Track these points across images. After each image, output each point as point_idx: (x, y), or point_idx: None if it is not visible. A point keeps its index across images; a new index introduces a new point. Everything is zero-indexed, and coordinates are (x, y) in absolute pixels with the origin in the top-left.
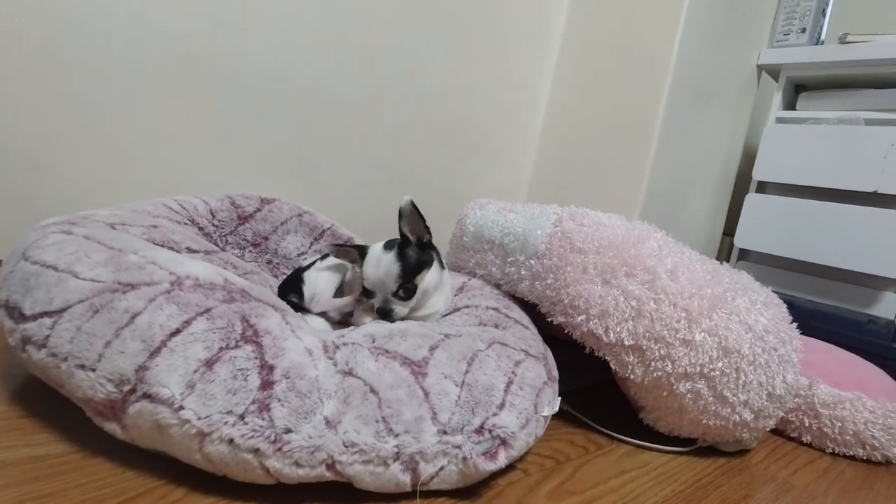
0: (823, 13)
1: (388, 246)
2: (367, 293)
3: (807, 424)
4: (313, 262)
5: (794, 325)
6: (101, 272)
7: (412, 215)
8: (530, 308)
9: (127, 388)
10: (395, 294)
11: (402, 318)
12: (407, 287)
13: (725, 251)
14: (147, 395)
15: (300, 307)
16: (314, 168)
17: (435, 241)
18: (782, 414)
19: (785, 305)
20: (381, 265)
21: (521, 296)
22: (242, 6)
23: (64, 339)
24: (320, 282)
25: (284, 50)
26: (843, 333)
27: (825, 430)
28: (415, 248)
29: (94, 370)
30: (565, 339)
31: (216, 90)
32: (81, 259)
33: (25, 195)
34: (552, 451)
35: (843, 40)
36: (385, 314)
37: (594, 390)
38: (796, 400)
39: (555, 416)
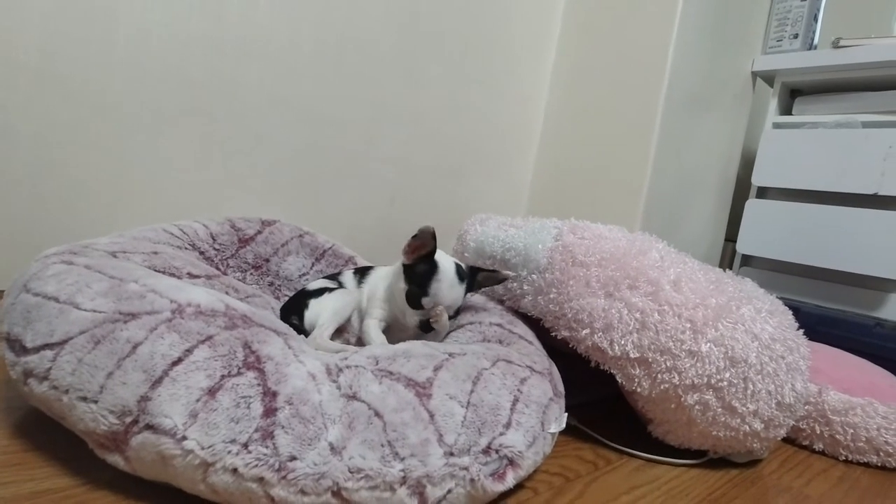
0: (815, 18)
1: (459, 273)
2: (414, 304)
3: (818, 432)
4: (323, 289)
5: (801, 331)
6: (102, 302)
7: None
8: (534, 323)
9: (129, 419)
10: (451, 316)
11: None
12: (459, 311)
13: (728, 257)
14: (150, 426)
15: (302, 330)
16: (314, 189)
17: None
18: (793, 423)
19: (791, 313)
20: (454, 291)
21: (524, 311)
22: (240, 32)
23: (65, 372)
24: (324, 314)
25: (282, 74)
26: (850, 338)
27: (837, 437)
28: (472, 277)
29: (95, 402)
30: (570, 353)
31: (215, 115)
32: (82, 289)
33: (25, 224)
34: (561, 468)
35: (836, 45)
36: (429, 328)
37: (600, 404)
38: (806, 408)
39: (562, 431)
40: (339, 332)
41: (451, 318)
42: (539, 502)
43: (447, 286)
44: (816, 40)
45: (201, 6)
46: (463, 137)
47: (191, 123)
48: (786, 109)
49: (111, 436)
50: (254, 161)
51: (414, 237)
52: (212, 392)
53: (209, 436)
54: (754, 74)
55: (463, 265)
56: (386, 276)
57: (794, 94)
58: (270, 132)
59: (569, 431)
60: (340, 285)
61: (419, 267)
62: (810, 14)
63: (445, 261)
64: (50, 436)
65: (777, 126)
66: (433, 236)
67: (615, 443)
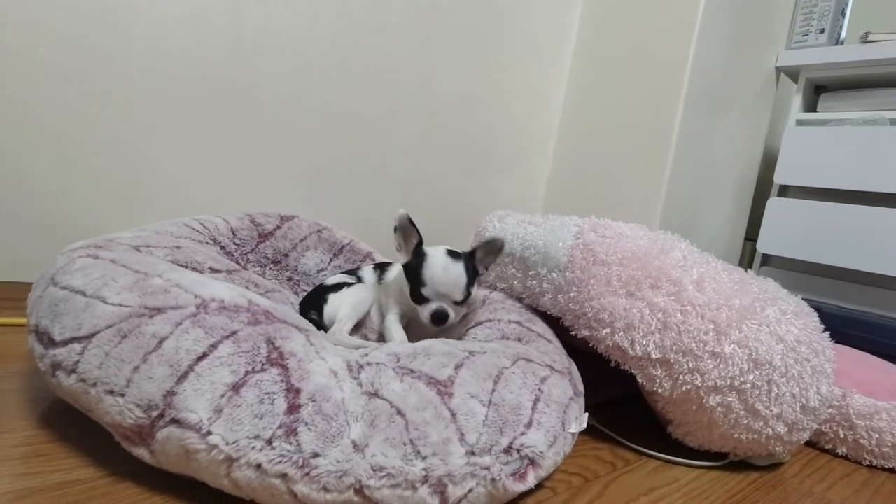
0: (843, 13)
1: (452, 254)
2: (418, 299)
3: (841, 436)
4: (341, 284)
5: (826, 333)
6: (128, 297)
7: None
8: (553, 321)
9: (155, 413)
10: (457, 301)
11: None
12: (469, 292)
13: (748, 257)
14: (175, 421)
15: (320, 325)
16: (331, 184)
17: None
18: (816, 426)
19: (816, 314)
20: (450, 272)
21: (543, 309)
22: (258, 28)
23: (93, 365)
24: (343, 309)
25: (300, 69)
26: (874, 339)
27: (861, 441)
28: (470, 258)
29: (122, 396)
30: (588, 351)
31: (234, 110)
32: (108, 283)
33: (50, 219)
34: (579, 468)
35: (864, 40)
36: (442, 318)
37: (618, 403)
38: (830, 411)
39: (580, 431)
40: (358, 328)
41: (462, 301)
42: (557, 502)
43: (439, 269)
44: (843, 35)
45: (219, 1)
46: (479, 133)
47: (208, 118)
48: (810, 106)
49: (137, 429)
50: (270, 156)
51: (395, 230)
52: (236, 388)
53: (233, 431)
54: (778, 70)
55: (458, 250)
56: (399, 275)
57: (819, 90)
58: (286, 127)
59: (587, 431)
60: (359, 280)
61: (411, 262)
62: (838, 8)
63: (433, 249)
64: (76, 427)
65: (801, 123)
66: (410, 221)
67: (633, 443)
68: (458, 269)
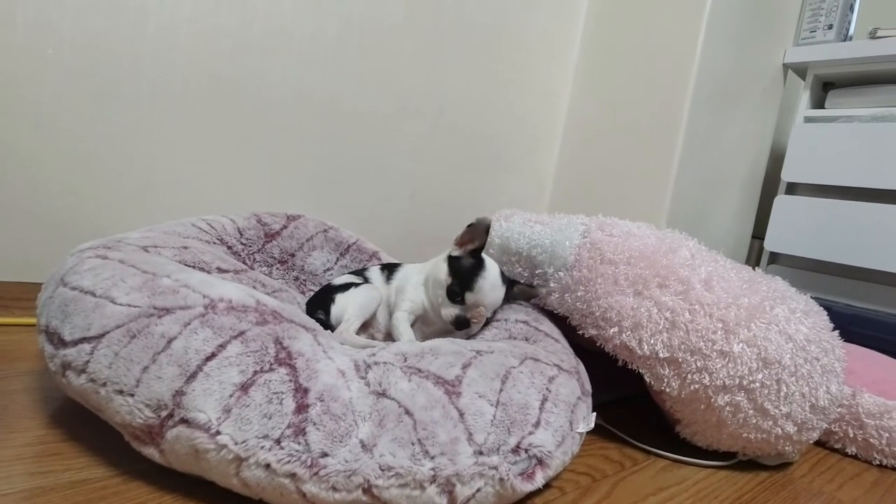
0: (851, 8)
1: (503, 277)
2: (455, 298)
3: (851, 435)
4: (348, 284)
5: (836, 332)
6: (137, 297)
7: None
8: (560, 320)
9: (164, 413)
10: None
11: None
12: (493, 314)
13: (755, 255)
14: (184, 421)
15: (328, 325)
16: (337, 183)
17: None
18: (826, 425)
19: (825, 313)
20: (496, 292)
21: (550, 308)
22: (265, 27)
23: (103, 365)
24: (350, 309)
25: (306, 68)
26: (884, 338)
27: (871, 440)
28: (510, 287)
29: (132, 395)
30: (596, 350)
31: (241, 110)
32: (117, 284)
33: (59, 219)
34: (587, 468)
35: (873, 35)
36: (464, 325)
37: (626, 403)
38: (839, 410)
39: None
40: (365, 328)
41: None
42: (565, 502)
43: (490, 285)
44: (852, 31)
45: (227, 2)
46: (484, 131)
47: (216, 118)
48: (818, 103)
49: (147, 429)
50: (277, 155)
51: (470, 226)
52: (245, 388)
53: (242, 431)
54: (786, 67)
55: (506, 274)
56: (420, 271)
57: (827, 86)
58: (293, 126)
59: (595, 430)
60: (366, 281)
61: (466, 261)
62: (846, 4)
63: (491, 261)
64: (86, 427)
65: (809, 120)
66: (487, 230)
67: (641, 442)
68: (502, 292)
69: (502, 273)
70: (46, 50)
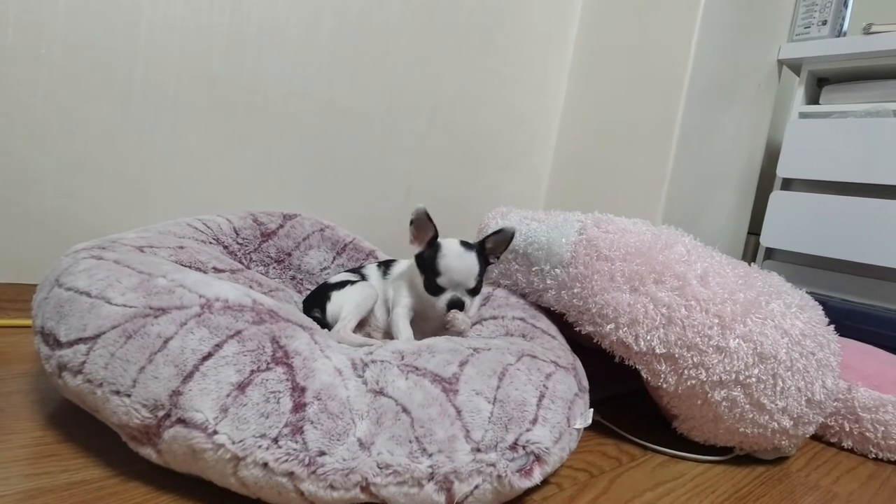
0: (845, 4)
1: (465, 244)
2: (433, 290)
3: (847, 429)
4: (345, 282)
5: (832, 327)
6: (132, 297)
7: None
8: (557, 317)
9: (161, 413)
10: (470, 290)
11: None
12: (481, 281)
13: (751, 251)
14: (181, 421)
15: (324, 323)
16: (333, 182)
17: None
18: (822, 420)
19: (821, 308)
20: (464, 260)
21: (546, 305)
22: (259, 26)
23: (99, 366)
24: (346, 307)
25: (301, 67)
26: (879, 332)
27: (867, 434)
28: (481, 248)
29: (128, 396)
30: (592, 347)
31: (236, 109)
32: (113, 284)
33: (54, 220)
34: (585, 464)
35: (867, 31)
36: (460, 305)
37: (623, 398)
38: (835, 404)
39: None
40: (362, 326)
41: (474, 290)
42: (564, 498)
43: (454, 257)
44: (846, 27)
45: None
46: (480, 129)
47: (210, 117)
48: (812, 98)
49: (144, 429)
50: (272, 154)
51: (411, 222)
52: (241, 387)
53: (239, 430)
54: (780, 62)
55: (470, 241)
56: (409, 269)
57: (822, 82)
58: (288, 125)
59: (592, 426)
60: (363, 278)
61: (425, 253)
62: (840, 0)
63: (447, 240)
64: (83, 428)
65: (803, 116)
66: (427, 215)
67: (639, 438)
68: (472, 258)
69: (463, 242)
70: (39, 50)
